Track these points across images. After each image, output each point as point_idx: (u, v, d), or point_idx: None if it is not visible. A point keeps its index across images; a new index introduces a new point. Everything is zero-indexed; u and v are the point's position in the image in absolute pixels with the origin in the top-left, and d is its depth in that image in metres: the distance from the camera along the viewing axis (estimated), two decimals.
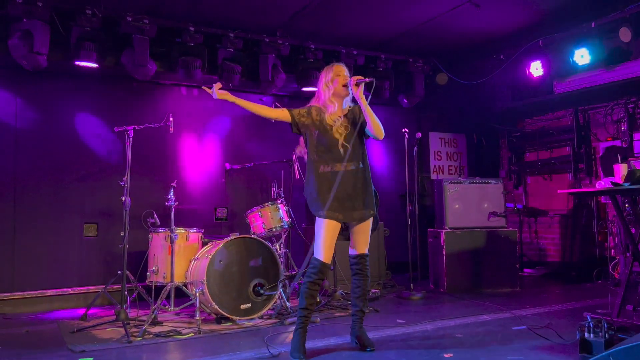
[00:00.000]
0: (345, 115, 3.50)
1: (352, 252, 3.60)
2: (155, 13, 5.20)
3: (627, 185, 3.83)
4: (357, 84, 3.40)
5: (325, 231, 3.35)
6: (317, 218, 3.40)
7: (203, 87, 3.53)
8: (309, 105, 3.58)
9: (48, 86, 5.50)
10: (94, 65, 5.06)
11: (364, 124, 3.48)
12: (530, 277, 6.86)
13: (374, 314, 4.70)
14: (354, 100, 3.53)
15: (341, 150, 3.41)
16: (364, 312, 3.62)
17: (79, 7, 4.86)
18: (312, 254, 3.43)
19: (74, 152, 5.56)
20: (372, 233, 3.62)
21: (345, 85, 3.45)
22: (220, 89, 3.57)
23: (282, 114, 3.51)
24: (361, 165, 3.47)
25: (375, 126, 3.40)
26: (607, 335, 3.19)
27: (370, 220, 3.54)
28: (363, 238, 3.55)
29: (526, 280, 6.56)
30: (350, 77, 3.48)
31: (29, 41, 4.63)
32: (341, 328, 4.15)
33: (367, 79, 3.42)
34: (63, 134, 5.53)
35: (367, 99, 3.38)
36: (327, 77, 3.49)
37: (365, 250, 3.58)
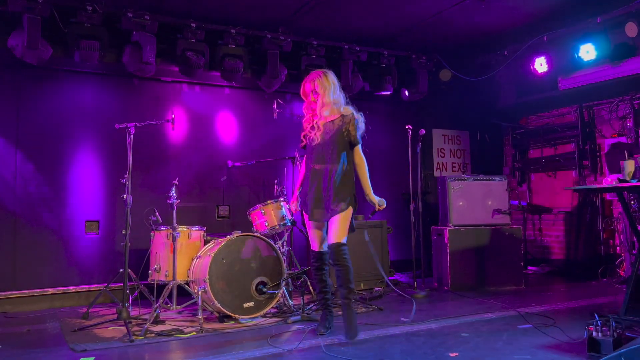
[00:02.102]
0: (332, 121, 3.80)
1: (326, 244, 3.82)
2: (156, 9, 5.15)
3: (634, 182, 3.79)
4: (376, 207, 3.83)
5: (311, 225, 3.87)
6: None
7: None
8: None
9: (49, 83, 5.46)
10: (95, 62, 5.01)
11: (349, 134, 3.76)
12: (535, 275, 6.82)
13: (377, 312, 4.67)
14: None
15: (321, 151, 3.75)
16: (350, 298, 3.73)
17: (79, 4, 4.82)
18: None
19: (75, 149, 5.52)
20: (350, 232, 3.85)
21: (314, 99, 3.83)
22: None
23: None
24: (341, 167, 3.73)
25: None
26: (615, 334, 3.14)
27: (342, 214, 3.70)
28: (333, 228, 3.72)
29: (530, 278, 6.52)
30: (322, 84, 3.80)
31: (29, 38, 4.58)
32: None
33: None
34: (64, 131, 5.49)
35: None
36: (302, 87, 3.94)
37: (338, 240, 3.69)
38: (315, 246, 3.87)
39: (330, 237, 3.73)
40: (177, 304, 4.69)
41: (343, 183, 3.73)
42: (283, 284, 4.53)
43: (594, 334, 3.20)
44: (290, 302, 4.64)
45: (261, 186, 6.36)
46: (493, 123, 7.85)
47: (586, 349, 3.21)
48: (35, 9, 4.60)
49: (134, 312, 4.52)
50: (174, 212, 4.64)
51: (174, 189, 4.66)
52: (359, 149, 3.80)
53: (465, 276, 5.75)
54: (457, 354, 3.33)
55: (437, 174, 7.58)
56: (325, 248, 3.84)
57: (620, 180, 3.99)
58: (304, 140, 3.91)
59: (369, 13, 5.53)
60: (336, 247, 3.69)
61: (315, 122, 3.82)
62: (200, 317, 4.12)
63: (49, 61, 4.92)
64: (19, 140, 5.28)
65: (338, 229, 3.70)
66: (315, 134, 3.79)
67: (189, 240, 4.78)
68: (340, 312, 4.59)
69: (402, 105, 7.20)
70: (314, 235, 3.87)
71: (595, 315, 3.30)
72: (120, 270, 4.43)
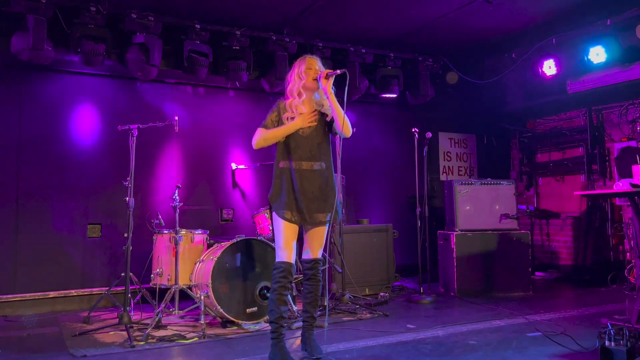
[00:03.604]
0: (313, 112, 3.38)
1: (305, 256, 3.44)
2: (160, 10, 5.10)
3: None
4: (327, 77, 3.28)
5: (283, 231, 3.26)
6: (276, 217, 3.30)
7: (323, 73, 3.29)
8: (279, 101, 3.44)
9: (51, 84, 5.41)
10: (98, 64, 4.95)
11: (331, 122, 3.38)
12: (542, 281, 6.71)
13: (383, 319, 4.59)
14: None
15: (307, 147, 3.31)
16: (315, 318, 3.46)
17: (82, 4, 4.77)
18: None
19: (77, 151, 5.47)
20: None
21: (315, 79, 3.31)
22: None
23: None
24: (325, 165, 3.36)
25: (342, 123, 3.26)
26: (628, 344, 3.05)
27: (327, 226, 3.42)
28: (319, 242, 3.42)
29: (538, 284, 6.41)
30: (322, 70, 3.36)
31: (32, 38, 4.54)
32: (350, 333, 4.04)
33: (338, 71, 3.29)
34: (66, 133, 5.44)
35: (345, 97, 3.22)
36: (300, 68, 3.36)
37: (320, 255, 3.44)
38: (287, 256, 3.24)
39: (316, 250, 3.40)
40: (180, 309, 4.65)
41: (333, 183, 3.40)
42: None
43: (607, 343, 3.11)
44: (294, 308, 4.56)
45: (265, 189, 6.30)
46: (500, 126, 7.76)
47: (598, 359, 3.12)
48: (39, 9, 4.55)
49: (135, 316, 4.45)
50: (177, 215, 4.59)
51: (177, 191, 4.61)
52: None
53: (472, 282, 5.66)
54: None
55: (443, 177, 7.49)
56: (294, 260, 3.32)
57: (633, 185, 3.91)
58: (282, 143, 3.36)
59: (375, 15, 5.47)
60: (319, 262, 3.40)
61: (300, 109, 3.34)
62: (203, 322, 4.04)
63: (51, 62, 4.88)
64: (21, 142, 5.23)
65: (323, 241, 3.43)
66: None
67: (191, 243, 4.72)
68: (344, 318, 4.55)
69: (408, 108, 7.12)
70: (289, 243, 3.26)
71: (608, 323, 3.20)
72: (122, 274, 4.37)
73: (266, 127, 3.33)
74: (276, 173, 3.38)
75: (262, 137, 3.31)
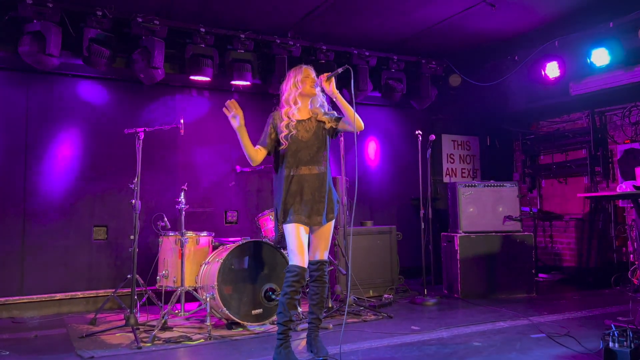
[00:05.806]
0: (309, 118, 3.46)
1: (311, 257, 3.47)
2: (166, 14, 5.14)
3: None
4: (328, 79, 3.33)
5: (296, 235, 3.28)
6: (284, 224, 3.35)
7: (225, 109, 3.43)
8: (273, 113, 3.52)
9: (57, 87, 5.46)
10: (103, 68, 4.99)
11: (330, 129, 3.45)
12: (546, 283, 6.72)
13: (387, 320, 4.61)
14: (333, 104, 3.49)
15: (307, 153, 3.37)
16: (321, 319, 3.50)
17: (89, 9, 4.82)
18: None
19: (83, 154, 5.52)
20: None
21: (313, 87, 3.40)
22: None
23: (262, 154, 3.42)
24: (324, 168, 3.42)
25: (353, 118, 3.32)
26: (632, 345, 3.07)
27: (332, 225, 3.48)
28: (324, 243, 3.46)
29: (542, 286, 6.42)
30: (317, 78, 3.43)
31: (40, 42, 4.59)
32: (354, 335, 4.07)
33: (339, 70, 3.34)
34: (72, 136, 5.49)
35: (352, 90, 3.25)
36: (297, 77, 3.44)
37: (326, 257, 3.48)
38: (299, 261, 3.26)
39: (321, 252, 3.44)
40: (185, 310, 4.68)
41: (331, 186, 3.46)
42: None
43: (611, 344, 3.13)
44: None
45: (270, 191, 6.33)
46: (503, 128, 7.78)
47: None
48: (46, 14, 4.60)
49: (141, 318, 4.48)
50: (182, 217, 4.62)
51: (182, 194, 4.64)
52: (343, 120, 3.41)
53: (475, 283, 5.68)
54: None
55: (446, 179, 7.51)
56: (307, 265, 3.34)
57: (636, 187, 3.93)
58: (284, 142, 3.36)
59: (378, 18, 5.50)
60: (325, 264, 3.44)
61: (297, 117, 3.42)
62: (209, 323, 4.08)
63: (58, 66, 4.93)
64: (28, 145, 5.28)
65: (328, 243, 3.47)
66: (301, 132, 3.39)
67: (197, 246, 4.75)
68: (349, 320, 4.57)
69: (411, 111, 7.15)
70: (300, 247, 3.27)
71: (612, 325, 3.22)
72: (128, 276, 4.41)
73: (261, 143, 3.43)
74: (278, 180, 3.43)
75: (246, 154, 3.37)
